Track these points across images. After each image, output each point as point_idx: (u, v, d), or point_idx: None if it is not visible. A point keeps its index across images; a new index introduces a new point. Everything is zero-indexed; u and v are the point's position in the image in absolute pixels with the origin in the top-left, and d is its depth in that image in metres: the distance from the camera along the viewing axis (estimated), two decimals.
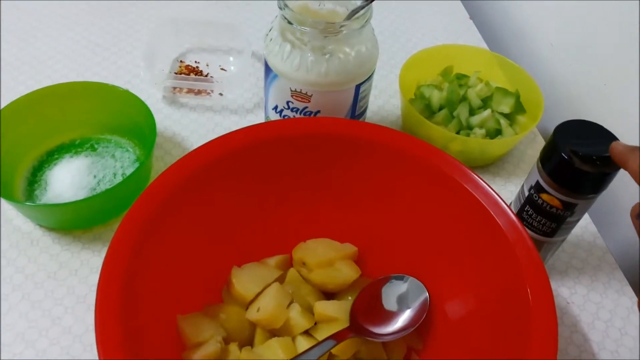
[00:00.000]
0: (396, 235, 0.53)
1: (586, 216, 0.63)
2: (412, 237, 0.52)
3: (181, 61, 0.74)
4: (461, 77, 0.70)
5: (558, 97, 0.74)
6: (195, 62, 0.74)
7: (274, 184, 0.52)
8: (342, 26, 0.52)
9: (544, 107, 0.65)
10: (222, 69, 0.74)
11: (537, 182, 0.51)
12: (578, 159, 0.47)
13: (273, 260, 0.52)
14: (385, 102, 0.73)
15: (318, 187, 0.53)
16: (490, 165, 0.67)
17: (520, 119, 0.67)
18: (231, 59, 0.75)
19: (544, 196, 0.51)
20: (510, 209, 0.46)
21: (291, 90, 0.55)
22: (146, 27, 0.79)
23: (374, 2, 0.52)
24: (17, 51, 0.75)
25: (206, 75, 0.72)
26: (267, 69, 0.56)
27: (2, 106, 0.59)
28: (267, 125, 0.52)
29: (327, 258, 0.52)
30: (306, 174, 0.53)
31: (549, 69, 0.77)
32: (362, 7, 0.52)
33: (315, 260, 0.51)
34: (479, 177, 0.48)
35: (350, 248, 0.54)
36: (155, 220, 0.45)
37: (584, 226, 0.62)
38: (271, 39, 0.55)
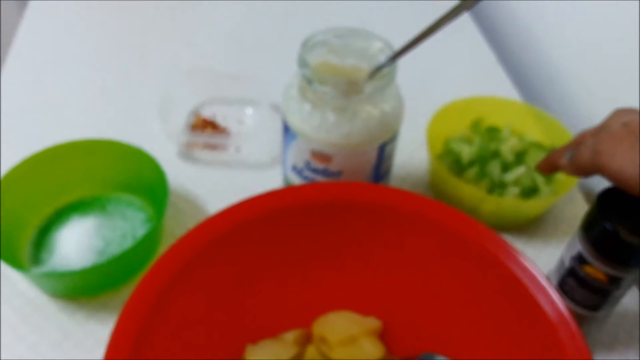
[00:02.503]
0: (423, 309, 0.49)
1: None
2: (441, 311, 0.48)
3: (197, 114, 0.71)
4: (492, 131, 0.66)
5: None
6: (212, 114, 0.72)
7: (293, 252, 0.49)
8: (365, 86, 0.49)
9: None
10: (239, 121, 0.71)
11: (579, 252, 0.47)
12: (624, 230, 0.43)
13: (291, 336, 0.48)
14: (411, 156, 0.69)
15: (340, 255, 0.50)
16: (525, 226, 0.63)
17: (558, 175, 0.62)
18: (249, 111, 0.72)
19: (587, 268, 0.47)
20: (551, 286, 0.42)
21: (311, 151, 0.52)
22: (162, 79, 0.77)
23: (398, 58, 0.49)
24: (28, 104, 0.74)
25: (223, 129, 0.69)
26: (286, 128, 0.53)
27: (10, 164, 0.56)
28: (284, 192, 0.48)
29: (350, 334, 0.48)
30: (327, 242, 0.49)
31: (587, 117, 0.72)
32: (384, 66, 0.49)
33: (336, 336, 0.47)
34: (515, 250, 0.44)
35: (374, 322, 0.50)
36: (164, 296, 0.41)
37: (631, 295, 0.57)
38: (290, 97, 0.52)
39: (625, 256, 0.44)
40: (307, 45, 0.51)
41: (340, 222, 0.48)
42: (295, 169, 0.55)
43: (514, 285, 0.43)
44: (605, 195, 0.46)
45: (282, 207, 0.47)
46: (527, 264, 0.43)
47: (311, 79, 0.49)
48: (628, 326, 0.55)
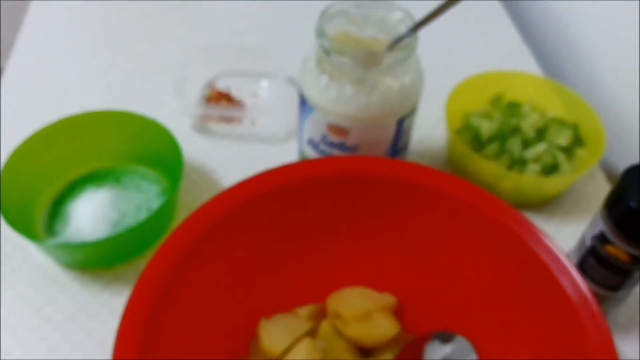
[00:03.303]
0: (440, 286, 0.48)
1: None
2: (459, 288, 0.47)
3: (212, 86, 0.70)
4: (513, 106, 0.64)
5: (622, 127, 0.68)
6: (227, 87, 0.71)
7: (308, 227, 0.48)
8: (384, 57, 0.47)
9: (606, 140, 0.59)
10: (254, 94, 0.70)
11: (601, 232, 0.46)
12: None
13: (305, 311, 0.48)
14: (429, 131, 0.68)
15: (355, 231, 0.49)
16: (545, 204, 0.61)
17: (579, 152, 0.61)
18: (264, 84, 0.71)
19: (609, 248, 0.46)
20: (573, 265, 0.41)
21: (328, 124, 0.51)
22: (176, 53, 0.75)
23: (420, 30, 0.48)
24: (43, 76, 0.73)
25: (238, 102, 0.68)
26: (302, 101, 0.52)
27: (24, 135, 0.56)
28: (299, 165, 0.47)
29: (365, 310, 0.47)
30: (342, 216, 0.48)
31: (611, 97, 0.70)
32: (403, 37, 0.47)
33: (351, 311, 0.47)
34: (537, 228, 0.43)
35: (389, 298, 0.49)
36: (178, 269, 0.41)
37: None
38: (307, 69, 0.51)
39: None
40: (326, 15, 0.49)
41: (356, 196, 0.47)
42: (311, 142, 0.54)
43: (534, 264, 0.42)
44: (630, 173, 0.44)
45: (296, 181, 0.46)
46: (548, 243, 0.42)
47: (329, 49, 0.47)
48: None
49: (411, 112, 0.51)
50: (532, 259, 0.42)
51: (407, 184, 0.46)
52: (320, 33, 0.48)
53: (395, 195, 0.47)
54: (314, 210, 0.48)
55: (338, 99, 0.48)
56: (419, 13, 0.48)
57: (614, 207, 0.45)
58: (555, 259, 0.41)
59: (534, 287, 0.42)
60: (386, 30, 0.51)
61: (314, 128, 0.52)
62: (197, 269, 0.43)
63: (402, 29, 0.49)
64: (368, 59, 0.47)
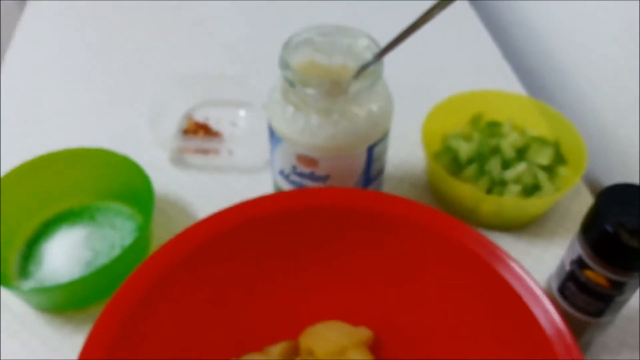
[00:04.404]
0: (416, 319, 0.47)
1: None
2: (434, 321, 0.46)
3: (190, 117, 0.70)
4: (493, 126, 0.63)
5: (604, 141, 0.66)
6: (205, 117, 0.70)
7: (278, 261, 0.47)
8: (349, 86, 0.46)
9: (588, 155, 0.57)
10: (233, 124, 0.69)
11: (579, 256, 0.44)
12: (626, 233, 0.40)
13: (277, 349, 0.46)
14: (409, 153, 0.67)
15: (328, 264, 0.47)
16: (528, 225, 0.60)
17: (562, 171, 0.59)
18: (242, 113, 0.70)
19: (588, 273, 0.44)
20: (547, 297, 0.39)
21: (297, 155, 0.50)
22: (152, 84, 0.75)
23: (395, 48, 0.46)
24: (16, 112, 0.73)
25: (215, 133, 0.68)
26: (271, 132, 0.51)
27: None
28: (269, 198, 0.46)
29: (339, 345, 0.46)
30: (314, 249, 0.47)
31: (592, 111, 0.69)
32: (369, 64, 0.46)
33: (324, 348, 0.45)
34: (511, 258, 0.41)
35: (365, 333, 0.47)
36: (140, 307, 0.40)
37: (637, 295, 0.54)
38: (274, 101, 0.50)
39: (628, 260, 0.41)
40: (290, 45, 0.49)
41: (327, 229, 0.46)
42: (282, 173, 0.53)
43: (508, 296, 0.41)
44: (605, 194, 0.43)
45: (265, 215, 0.45)
46: (522, 274, 0.40)
47: (293, 81, 0.47)
48: (636, 328, 0.52)
49: (381, 139, 0.50)
50: (506, 290, 0.41)
51: (379, 215, 0.45)
52: (284, 64, 0.47)
53: (368, 227, 0.46)
54: (284, 244, 0.46)
55: (304, 129, 0.48)
56: (389, 38, 0.47)
57: (591, 230, 0.43)
58: (529, 290, 0.40)
59: (509, 318, 0.41)
60: (354, 56, 0.50)
61: (283, 159, 0.51)
62: (160, 308, 0.41)
63: (369, 55, 0.49)
64: (333, 89, 0.46)
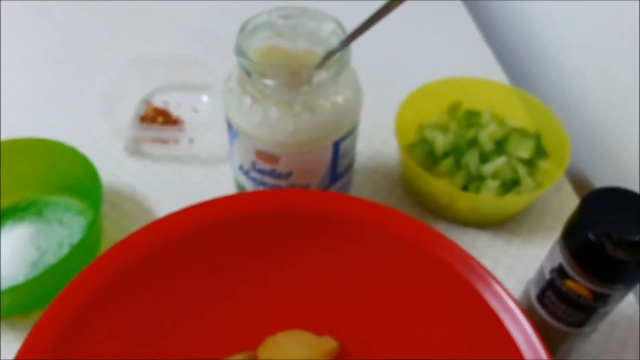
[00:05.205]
0: (385, 328, 0.43)
1: None
2: (403, 330, 0.42)
3: (148, 102, 0.65)
4: (471, 115, 0.59)
5: (588, 132, 0.63)
6: (165, 102, 0.65)
7: (237, 266, 0.43)
8: (312, 76, 0.42)
9: (571, 148, 0.54)
10: (194, 109, 0.65)
11: (560, 264, 0.41)
12: (610, 244, 0.37)
13: None
14: (382, 143, 0.63)
15: (290, 269, 0.44)
16: (506, 221, 0.56)
17: (543, 164, 0.56)
18: (204, 98, 0.65)
19: (569, 283, 0.41)
20: (521, 310, 0.36)
21: (255, 150, 0.45)
22: (107, 66, 0.69)
23: (364, 33, 0.42)
24: None
25: (175, 120, 0.63)
26: (228, 124, 0.47)
27: None
28: (225, 201, 0.42)
29: (301, 357, 0.42)
30: (274, 255, 0.43)
31: (579, 103, 0.65)
32: (335, 52, 0.42)
33: None
34: (487, 271, 0.38)
35: (329, 343, 0.44)
36: (83, 314, 0.37)
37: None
38: (230, 90, 0.45)
39: (612, 272, 0.38)
40: (246, 29, 0.44)
41: (288, 233, 0.42)
42: (242, 169, 0.49)
43: (478, 307, 0.37)
44: (589, 199, 0.39)
45: (221, 220, 0.41)
46: (495, 286, 0.37)
47: (250, 70, 0.42)
48: (621, 334, 0.49)
49: (349, 133, 0.46)
50: (477, 301, 0.37)
51: (344, 219, 0.41)
52: (239, 51, 0.42)
53: (332, 232, 0.42)
54: (241, 249, 0.43)
55: (263, 123, 0.43)
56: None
57: (573, 238, 0.40)
58: (506, 307, 0.37)
59: (480, 330, 0.38)
60: (320, 42, 0.45)
61: (242, 154, 0.47)
62: (105, 316, 0.38)
63: (335, 41, 0.44)
64: (293, 79, 0.42)
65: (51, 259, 0.52)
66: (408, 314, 0.42)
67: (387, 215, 0.41)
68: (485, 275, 0.38)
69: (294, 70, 0.41)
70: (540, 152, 0.56)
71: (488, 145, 0.55)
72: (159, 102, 0.65)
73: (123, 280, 0.39)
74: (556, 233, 0.55)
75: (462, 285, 0.38)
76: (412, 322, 0.42)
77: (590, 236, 0.37)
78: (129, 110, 0.63)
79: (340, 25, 0.45)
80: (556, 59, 0.69)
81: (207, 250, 0.42)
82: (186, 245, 0.41)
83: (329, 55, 0.42)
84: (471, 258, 0.38)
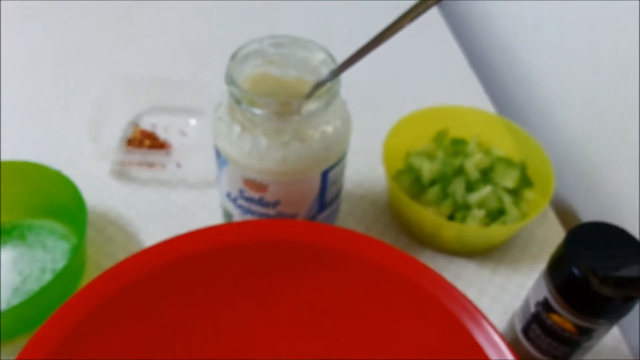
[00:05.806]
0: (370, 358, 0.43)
1: None
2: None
3: (136, 124, 0.65)
4: (457, 143, 0.60)
5: (573, 162, 0.64)
6: (152, 125, 0.65)
7: (223, 296, 0.43)
8: (302, 106, 0.42)
9: (555, 177, 0.55)
10: (182, 133, 0.64)
11: (545, 298, 0.41)
12: (596, 280, 0.37)
13: None
14: (370, 169, 0.63)
15: (276, 300, 0.43)
16: (492, 250, 0.57)
17: (528, 194, 0.56)
18: (192, 122, 0.65)
19: (554, 317, 0.41)
20: (510, 349, 0.36)
21: (244, 178, 0.45)
22: (94, 86, 0.68)
23: (355, 64, 0.42)
24: None
25: (162, 143, 0.62)
26: (217, 152, 0.47)
27: None
28: (210, 231, 0.42)
29: None
30: (261, 285, 0.43)
31: (563, 130, 0.66)
32: (324, 82, 0.42)
33: None
34: (473, 304, 0.38)
35: None
36: (66, 346, 0.36)
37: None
38: (219, 117, 0.45)
39: (596, 308, 0.38)
40: (237, 58, 0.44)
41: (273, 264, 0.42)
42: (229, 196, 0.48)
43: (465, 341, 0.37)
44: (574, 234, 0.40)
45: (205, 250, 0.41)
46: (481, 320, 0.37)
47: (240, 98, 0.42)
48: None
49: (337, 163, 0.46)
50: (465, 337, 0.37)
51: (327, 250, 0.41)
52: (230, 80, 0.42)
53: (315, 262, 0.42)
54: (227, 280, 0.42)
55: (252, 152, 0.43)
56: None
57: (558, 272, 0.40)
58: (494, 344, 0.36)
59: None
60: (310, 71, 0.46)
61: (230, 182, 0.47)
62: (87, 350, 0.37)
63: (325, 71, 0.44)
64: (282, 109, 0.42)
65: (34, 284, 0.51)
66: (393, 345, 0.42)
67: (372, 247, 0.41)
68: (471, 308, 0.38)
69: (284, 101, 0.42)
70: (525, 181, 0.57)
71: (474, 174, 0.56)
72: (146, 124, 0.65)
73: (106, 313, 0.39)
74: (541, 262, 0.56)
75: (449, 319, 0.38)
76: (398, 354, 0.42)
77: (575, 271, 0.38)
78: (116, 132, 0.63)
79: (330, 56, 0.45)
80: (541, 88, 0.70)
81: (191, 281, 0.41)
82: (170, 277, 0.41)
83: (319, 85, 0.43)
84: (457, 291, 0.39)
